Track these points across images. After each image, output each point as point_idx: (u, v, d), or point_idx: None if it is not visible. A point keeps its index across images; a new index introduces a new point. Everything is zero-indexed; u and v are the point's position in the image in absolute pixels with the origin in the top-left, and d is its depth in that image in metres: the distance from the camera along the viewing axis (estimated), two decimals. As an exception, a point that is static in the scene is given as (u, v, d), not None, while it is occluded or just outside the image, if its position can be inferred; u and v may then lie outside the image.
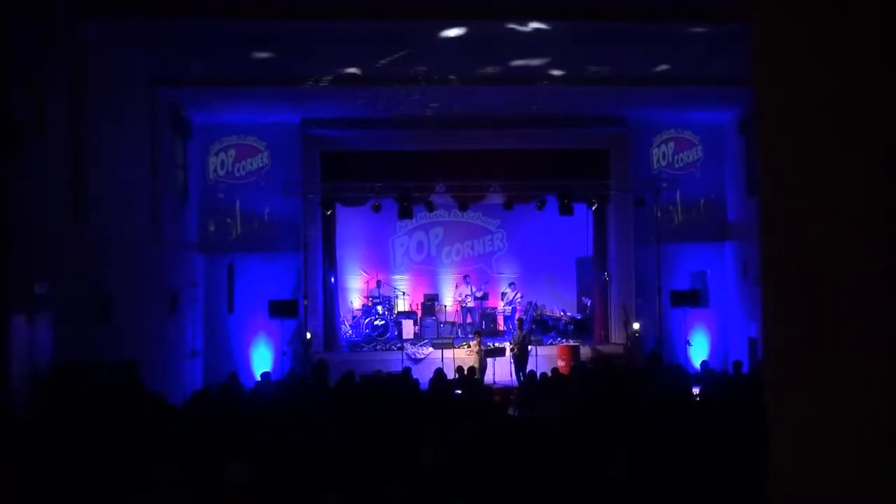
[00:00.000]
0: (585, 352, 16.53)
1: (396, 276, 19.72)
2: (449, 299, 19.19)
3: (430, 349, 16.44)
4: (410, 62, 13.18)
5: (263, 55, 12.69)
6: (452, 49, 12.41)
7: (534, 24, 11.49)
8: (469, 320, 18.45)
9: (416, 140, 17.33)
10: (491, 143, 17.24)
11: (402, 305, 18.99)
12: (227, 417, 8.42)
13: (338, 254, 18.14)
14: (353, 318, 18.64)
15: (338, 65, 13.40)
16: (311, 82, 14.02)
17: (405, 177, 16.73)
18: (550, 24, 11.49)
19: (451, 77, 14.03)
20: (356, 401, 9.60)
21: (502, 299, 18.87)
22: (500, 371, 15.57)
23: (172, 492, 5.48)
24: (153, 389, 10.37)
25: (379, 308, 18.03)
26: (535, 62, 13.28)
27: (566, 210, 17.01)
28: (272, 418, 8.15)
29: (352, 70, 13.57)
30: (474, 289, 18.68)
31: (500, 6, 11.15)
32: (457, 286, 19.12)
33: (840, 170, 1.61)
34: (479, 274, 19.55)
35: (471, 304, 18.47)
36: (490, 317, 18.68)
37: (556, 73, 13.89)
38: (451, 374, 13.21)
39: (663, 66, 13.69)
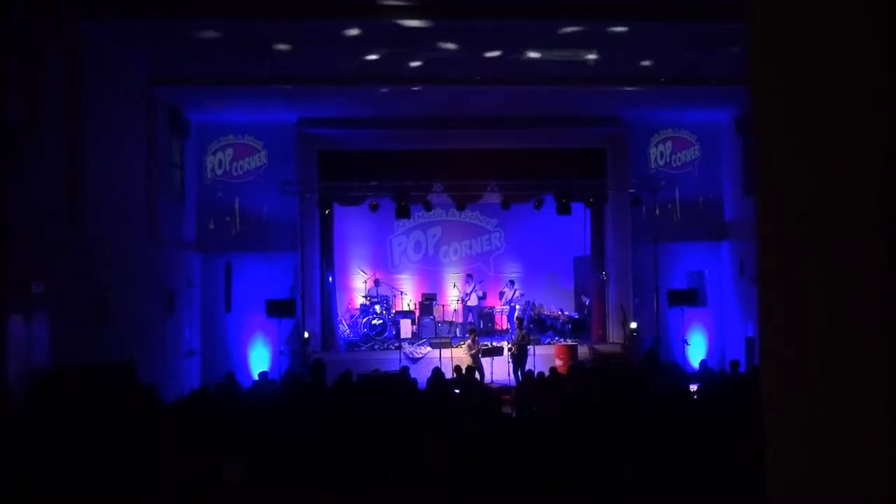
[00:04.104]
0: (583, 351, 16.52)
1: (394, 276, 19.70)
2: (448, 298, 19.18)
3: (428, 348, 16.42)
4: (408, 61, 13.16)
5: (261, 55, 12.66)
6: (451, 48, 12.40)
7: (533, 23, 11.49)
8: (470, 319, 18.43)
9: (413, 139, 17.34)
10: (488, 143, 17.25)
11: (399, 305, 18.99)
12: (224, 417, 8.41)
13: (335, 253, 18.14)
14: (351, 317, 18.62)
15: (335, 64, 13.38)
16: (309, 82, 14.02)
17: (403, 176, 16.73)
18: (551, 23, 11.48)
19: (449, 77, 14.00)
20: (354, 400, 9.59)
21: (501, 298, 18.86)
22: (498, 370, 15.55)
23: (170, 491, 5.47)
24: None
25: (377, 307, 18.01)
26: (534, 61, 13.27)
27: (564, 209, 17.03)
28: (270, 418, 8.14)
29: (349, 69, 13.55)
30: (477, 287, 18.67)
31: (499, 6, 11.14)
32: (455, 285, 19.10)
33: (838, 170, 1.60)
34: (476, 273, 19.54)
35: (474, 302, 18.46)
36: (488, 316, 18.68)
37: (555, 72, 13.88)
38: (448, 374, 13.19)
39: (660, 66, 13.67)
